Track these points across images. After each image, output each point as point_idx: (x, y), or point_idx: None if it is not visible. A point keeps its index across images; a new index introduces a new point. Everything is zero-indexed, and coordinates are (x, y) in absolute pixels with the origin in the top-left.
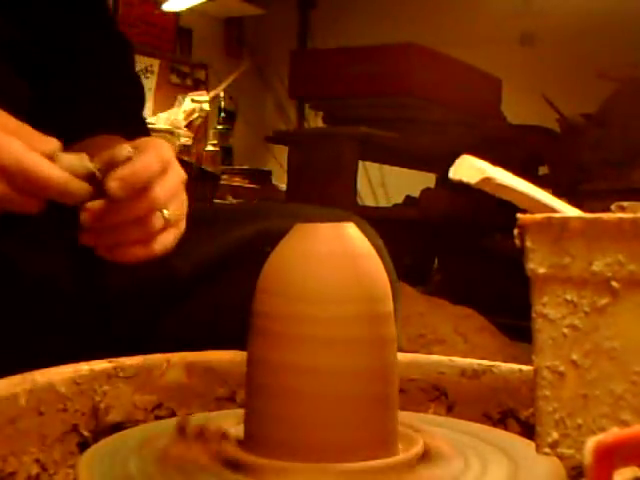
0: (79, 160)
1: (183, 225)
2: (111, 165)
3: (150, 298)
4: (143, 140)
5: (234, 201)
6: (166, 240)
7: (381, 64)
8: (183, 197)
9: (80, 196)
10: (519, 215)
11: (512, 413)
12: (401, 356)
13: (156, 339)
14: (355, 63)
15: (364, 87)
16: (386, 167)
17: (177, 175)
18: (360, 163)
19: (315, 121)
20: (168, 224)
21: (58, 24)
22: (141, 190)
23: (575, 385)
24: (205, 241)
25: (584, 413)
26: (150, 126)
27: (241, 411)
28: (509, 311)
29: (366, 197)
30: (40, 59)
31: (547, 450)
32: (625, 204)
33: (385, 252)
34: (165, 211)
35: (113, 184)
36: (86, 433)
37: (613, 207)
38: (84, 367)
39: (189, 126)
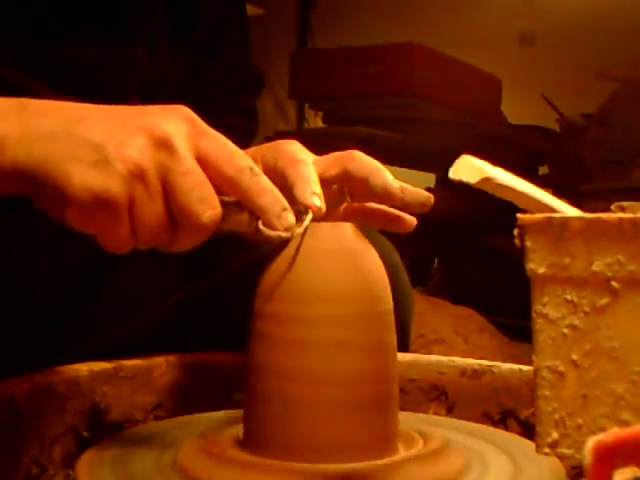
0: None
1: None
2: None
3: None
4: (275, 148)
5: None
6: None
7: (381, 64)
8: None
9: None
10: (519, 215)
11: (512, 413)
12: (401, 356)
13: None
14: (355, 63)
15: (364, 87)
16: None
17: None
18: None
19: (315, 121)
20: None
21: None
22: None
23: (575, 385)
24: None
25: (584, 413)
26: None
27: (241, 411)
28: (509, 311)
29: None
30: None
31: (547, 450)
32: (625, 204)
33: (402, 270)
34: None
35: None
36: (86, 433)
37: (613, 207)
38: (83, 367)
39: None
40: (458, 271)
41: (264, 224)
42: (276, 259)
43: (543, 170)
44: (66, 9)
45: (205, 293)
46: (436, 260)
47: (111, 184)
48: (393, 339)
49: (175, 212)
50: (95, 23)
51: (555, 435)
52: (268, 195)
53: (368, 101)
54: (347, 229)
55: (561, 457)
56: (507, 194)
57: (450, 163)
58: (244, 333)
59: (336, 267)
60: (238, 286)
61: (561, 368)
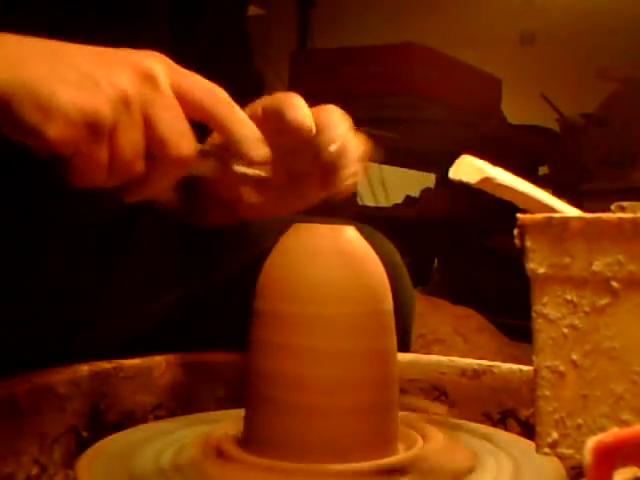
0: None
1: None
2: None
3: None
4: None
5: None
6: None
7: (381, 64)
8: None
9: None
10: (519, 215)
11: (512, 413)
12: (401, 356)
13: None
14: (355, 63)
15: (364, 87)
16: (386, 167)
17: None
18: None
19: None
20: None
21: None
22: None
23: (575, 385)
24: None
25: (584, 413)
26: None
27: (241, 411)
28: (509, 311)
29: (366, 197)
30: None
31: (547, 450)
32: (625, 204)
33: (403, 271)
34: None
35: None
36: (85, 433)
37: (613, 207)
38: (83, 367)
39: None
40: (458, 271)
41: (240, 154)
42: (276, 259)
43: (543, 170)
44: (69, 8)
45: (204, 291)
46: (436, 260)
47: (100, 104)
48: (393, 340)
49: (154, 144)
50: (99, 23)
51: (555, 435)
52: (245, 125)
53: (368, 101)
54: (347, 230)
55: (561, 457)
56: (507, 194)
57: (450, 163)
58: (243, 331)
59: (336, 268)
60: (237, 284)
61: (561, 368)
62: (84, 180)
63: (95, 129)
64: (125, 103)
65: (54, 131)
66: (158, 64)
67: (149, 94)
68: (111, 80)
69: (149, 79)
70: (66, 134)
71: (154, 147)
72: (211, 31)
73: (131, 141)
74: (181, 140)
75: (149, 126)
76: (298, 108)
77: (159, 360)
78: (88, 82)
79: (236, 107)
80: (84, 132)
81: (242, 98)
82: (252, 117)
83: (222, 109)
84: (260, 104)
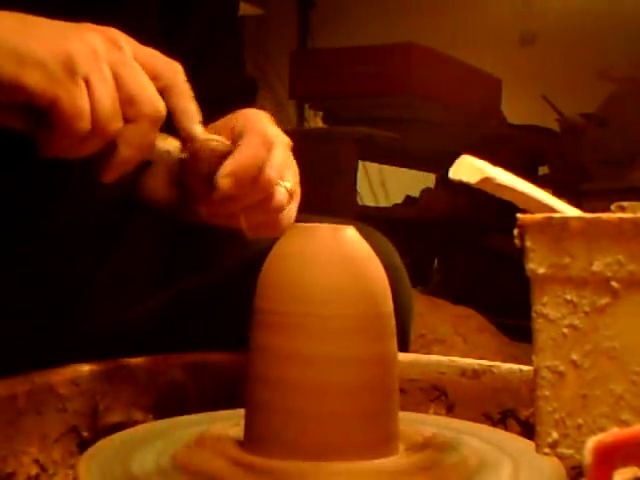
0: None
1: (299, 191)
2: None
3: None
4: (241, 116)
5: None
6: (291, 212)
7: (381, 64)
8: (294, 164)
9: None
10: (519, 215)
11: (512, 413)
12: (401, 356)
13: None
14: (355, 63)
15: (364, 87)
16: (386, 167)
17: (283, 145)
18: (360, 163)
19: (315, 121)
20: (292, 194)
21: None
22: (254, 178)
23: (575, 385)
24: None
25: (584, 413)
26: None
27: (241, 411)
28: (509, 311)
29: (366, 197)
30: None
31: (547, 450)
32: (625, 204)
33: (402, 272)
34: (286, 183)
35: (224, 181)
36: (85, 433)
37: (613, 207)
38: (83, 368)
39: None
40: (458, 271)
41: (177, 124)
42: (276, 260)
43: (543, 170)
44: (57, 8)
45: (201, 290)
46: (436, 260)
47: (72, 51)
48: (393, 342)
49: (126, 102)
50: (89, 18)
51: (555, 435)
52: (192, 102)
53: (368, 101)
54: (347, 232)
55: (561, 457)
56: (507, 194)
57: (450, 163)
58: (240, 331)
59: (336, 270)
60: (234, 284)
61: (561, 368)
62: (65, 141)
63: (71, 71)
64: (95, 56)
65: (32, 78)
66: (121, 34)
67: (116, 54)
68: (81, 37)
69: (115, 43)
70: (44, 80)
71: (126, 106)
72: (201, 32)
73: (108, 95)
74: (151, 97)
75: (121, 84)
76: (249, 161)
77: (159, 360)
78: (59, 37)
79: (188, 85)
80: (61, 75)
81: (233, 100)
82: (220, 129)
83: (178, 81)
84: (232, 121)
